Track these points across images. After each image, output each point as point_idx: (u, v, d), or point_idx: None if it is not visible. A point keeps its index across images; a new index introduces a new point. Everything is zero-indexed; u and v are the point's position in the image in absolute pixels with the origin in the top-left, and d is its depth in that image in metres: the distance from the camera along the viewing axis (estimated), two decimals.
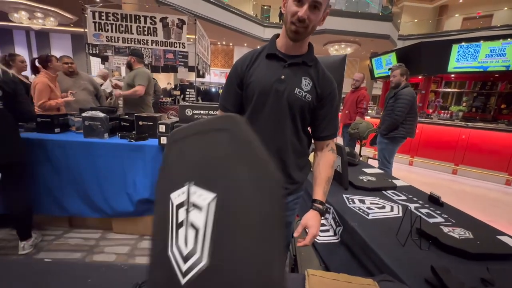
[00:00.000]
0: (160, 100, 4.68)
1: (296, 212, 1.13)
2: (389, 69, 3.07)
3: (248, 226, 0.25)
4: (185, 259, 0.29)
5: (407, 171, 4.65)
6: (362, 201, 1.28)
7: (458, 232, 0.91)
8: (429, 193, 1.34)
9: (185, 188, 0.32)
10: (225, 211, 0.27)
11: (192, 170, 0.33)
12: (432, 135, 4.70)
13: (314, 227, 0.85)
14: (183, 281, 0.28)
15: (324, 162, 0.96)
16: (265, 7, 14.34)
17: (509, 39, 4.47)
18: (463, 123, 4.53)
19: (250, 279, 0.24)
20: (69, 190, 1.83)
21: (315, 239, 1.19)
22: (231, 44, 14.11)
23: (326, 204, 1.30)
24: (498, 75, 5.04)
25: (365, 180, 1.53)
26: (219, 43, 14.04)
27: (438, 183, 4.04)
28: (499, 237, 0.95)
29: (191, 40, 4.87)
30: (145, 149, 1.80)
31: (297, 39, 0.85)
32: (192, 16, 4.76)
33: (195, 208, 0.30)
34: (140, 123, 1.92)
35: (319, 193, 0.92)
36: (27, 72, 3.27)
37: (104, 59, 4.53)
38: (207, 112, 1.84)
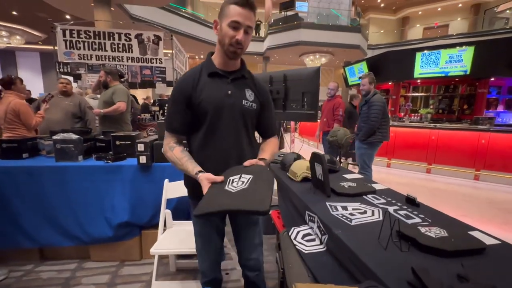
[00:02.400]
0: (138, 116, 4.56)
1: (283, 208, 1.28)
2: (360, 77, 3.24)
3: (263, 181, 0.88)
4: (234, 188, 0.85)
5: (386, 173, 4.85)
6: (345, 208, 1.30)
7: (434, 231, 0.96)
8: (406, 195, 1.40)
9: (238, 175, 0.90)
10: (255, 178, 0.87)
11: (240, 172, 0.92)
12: (406, 137, 4.97)
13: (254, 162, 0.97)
14: (234, 191, 0.83)
15: (269, 142, 1.15)
16: None
17: (464, 47, 4.93)
18: (431, 124, 4.85)
19: (261, 196, 0.81)
20: (40, 220, 1.70)
21: (302, 250, 1.20)
22: None
23: (311, 213, 1.32)
24: (458, 79, 5.50)
25: (346, 186, 1.57)
26: (197, 57, 14.10)
27: (414, 182, 4.24)
28: (470, 232, 1.01)
29: (168, 55, 4.86)
30: (123, 169, 1.73)
31: (236, 58, 0.98)
32: (168, 32, 4.76)
33: (243, 178, 0.88)
34: (117, 142, 1.85)
35: (266, 155, 1.06)
36: None
37: (77, 78, 4.37)
38: None
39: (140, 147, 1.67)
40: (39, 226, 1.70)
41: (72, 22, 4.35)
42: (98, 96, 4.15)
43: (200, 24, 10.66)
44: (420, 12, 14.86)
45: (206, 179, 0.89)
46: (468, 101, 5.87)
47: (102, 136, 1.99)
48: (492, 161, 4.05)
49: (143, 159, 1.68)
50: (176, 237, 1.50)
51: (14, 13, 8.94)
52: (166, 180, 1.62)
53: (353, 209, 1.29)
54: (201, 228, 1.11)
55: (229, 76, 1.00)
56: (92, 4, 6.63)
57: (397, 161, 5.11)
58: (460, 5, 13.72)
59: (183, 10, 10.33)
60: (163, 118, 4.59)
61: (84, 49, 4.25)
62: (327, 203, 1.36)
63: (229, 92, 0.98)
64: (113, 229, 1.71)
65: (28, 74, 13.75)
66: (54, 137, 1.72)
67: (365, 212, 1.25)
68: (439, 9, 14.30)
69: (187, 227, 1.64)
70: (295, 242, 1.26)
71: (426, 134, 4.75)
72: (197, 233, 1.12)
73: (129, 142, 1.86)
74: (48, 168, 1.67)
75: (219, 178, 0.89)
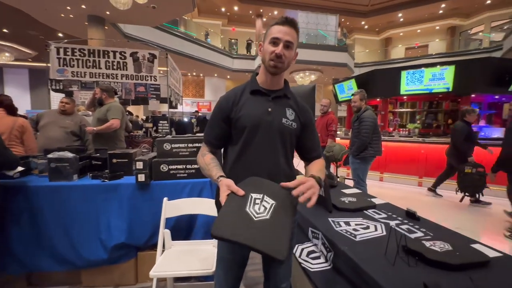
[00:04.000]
0: (131, 133, 4.50)
1: (295, 236, 1.15)
2: (352, 94, 3.37)
3: (285, 214, 0.84)
4: (256, 214, 0.81)
5: (379, 186, 4.91)
6: (348, 223, 1.31)
7: (438, 246, 0.98)
8: (406, 209, 1.43)
9: (261, 195, 0.86)
10: (278, 207, 0.84)
11: (264, 190, 0.87)
12: (396, 152, 5.10)
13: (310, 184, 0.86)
14: (255, 219, 0.80)
15: (314, 162, 1.09)
16: (233, 40, 15.20)
17: (445, 66, 5.24)
18: (420, 139, 5.02)
19: (280, 239, 0.78)
20: (30, 242, 1.60)
21: (308, 268, 1.18)
22: (201, 74, 14.44)
23: (314, 230, 1.32)
24: (442, 95, 5.78)
25: (346, 202, 1.58)
26: (189, 74, 14.29)
27: (408, 196, 4.31)
28: (472, 245, 1.04)
29: (161, 72, 4.90)
30: (120, 188, 1.68)
31: (276, 72, 0.98)
32: (163, 50, 4.84)
33: (266, 202, 0.84)
34: (114, 160, 1.82)
35: (314, 171, 1.01)
36: None
37: (69, 94, 4.31)
38: (186, 145, 1.82)
39: (139, 165, 1.65)
40: (29, 249, 1.59)
41: (66, 40, 4.37)
42: (90, 113, 4.10)
43: (192, 42, 10.92)
44: (401, 34, 15.84)
45: (226, 185, 0.86)
46: (452, 116, 6.15)
47: (98, 154, 1.95)
48: None
49: (141, 177, 1.65)
50: (176, 259, 1.45)
51: (5, 30, 8.90)
52: (165, 199, 1.59)
53: (356, 225, 1.30)
54: (225, 254, 1.04)
55: (271, 94, 1.01)
56: (86, 23, 6.72)
57: (389, 174, 5.21)
58: (437, 27, 14.73)
59: (176, 30, 10.59)
60: (157, 135, 4.56)
61: (78, 66, 4.24)
62: (330, 219, 1.36)
63: (269, 109, 0.99)
64: (108, 251, 1.63)
65: (15, 90, 13.45)
66: (49, 155, 1.67)
67: (368, 227, 1.26)
68: (419, 31, 15.29)
69: (186, 247, 1.59)
70: (300, 260, 1.25)
71: (416, 148, 4.90)
72: (220, 258, 1.06)
73: (126, 160, 1.83)
74: (42, 188, 1.61)
75: (241, 192, 0.85)
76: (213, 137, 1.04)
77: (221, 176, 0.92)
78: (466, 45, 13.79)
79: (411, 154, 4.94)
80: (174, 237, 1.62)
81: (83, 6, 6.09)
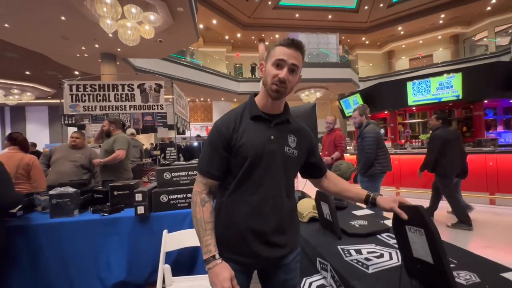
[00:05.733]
0: (140, 162, 4.56)
1: (298, 272, 1.04)
2: (354, 110, 3.30)
3: None
4: None
5: None
6: (359, 251, 1.19)
7: (464, 277, 0.85)
8: None
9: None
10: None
11: None
12: (411, 165, 4.87)
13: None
14: None
15: (337, 177, 1.15)
16: (237, 65, 15.79)
17: (451, 74, 5.13)
18: None
19: None
20: (26, 283, 1.55)
21: None
22: (209, 99, 14.89)
23: (322, 260, 1.21)
24: (452, 103, 5.60)
25: (357, 226, 1.46)
26: (197, 100, 14.76)
27: None
28: (503, 274, 0.90)
29: (170, 100, 5.06)
30: (120, 222, 1.64)
31: (279, 97, 0.91)
32: (169, 80, 5.03)
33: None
34: (115, 193, 1.80)
35: (362, 191, 1.05)
36: None
37: (81, 128, 4.49)
38: (186, 173, 1.79)
39: (138, 197, 1.62)
40: None
41: (78, 78, 4.64)
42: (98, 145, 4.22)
43: (199, 70, 11.41)
44: (403, 46, 15.95)
45: (227, 278, 0.80)
46: (467, 124, 5.90)
47: (100, 187, 1.95)
48: (506, 184, 3.89)
49: (141, 210, 1.61)
50: None
51: (27, 72, 9.65)
52: (165, 231, 1.52)
53: (368, 253, 1.17)
54: None
55: (272, 119, 0.94)
56: (99, 60, 7.19)
57: (406, 189, 4.94)
58: (439, 37, 14.77)
59: (183, 59, 11.13)
60: (164, 162, 4.59)
61: (89, 101, 4.45)
62: (339, 247, 1.25)
63: (272, 137, 0.92)
64: None
65: (36, 127, 14.31)
66: (51, 192, 1.68)
67: (381, 255, 1.14)
68: (421, 41, 15.36)
69: (189, 283, 1.49)
70: None
71: None
72: None
73: (128, 192, 1.81)
74: (41, 226, 1.59)
75: None
76: (214, 169, 0.91)
77: (218, 255, 0.84)
78: (471, 51, 13.65)
79: None
80: (176, 272, 1.53)
81: (96, 46, 6.56)
